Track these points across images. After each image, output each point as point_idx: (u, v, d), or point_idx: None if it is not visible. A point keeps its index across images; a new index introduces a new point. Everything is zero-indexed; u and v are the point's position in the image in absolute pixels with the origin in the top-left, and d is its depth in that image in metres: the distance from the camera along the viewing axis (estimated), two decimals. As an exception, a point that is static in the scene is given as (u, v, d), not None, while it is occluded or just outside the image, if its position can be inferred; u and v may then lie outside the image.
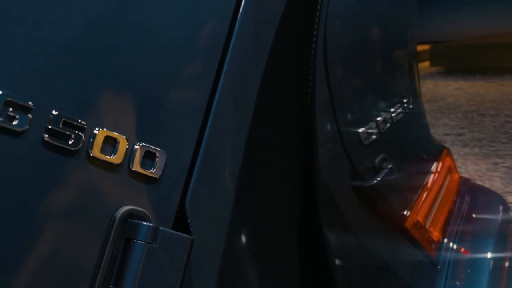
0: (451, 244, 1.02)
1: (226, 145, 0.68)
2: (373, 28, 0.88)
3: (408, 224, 0.90)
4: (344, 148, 0.79)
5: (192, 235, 0.61)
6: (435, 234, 0.99)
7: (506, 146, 2.04)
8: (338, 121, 0.78)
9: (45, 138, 0.53)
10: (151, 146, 0.60)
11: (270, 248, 0.77)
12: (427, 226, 0.96)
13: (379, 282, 0.90)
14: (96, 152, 0.56)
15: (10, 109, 0.51)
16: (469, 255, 1.02)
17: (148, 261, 0.56)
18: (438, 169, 1.05)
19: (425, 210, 0.95)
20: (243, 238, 0.71)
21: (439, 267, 0.99)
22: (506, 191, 1.83)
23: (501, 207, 1.15)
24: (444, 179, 1.05)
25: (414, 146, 1.00)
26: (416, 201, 0.93)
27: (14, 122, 0.51)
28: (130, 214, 0.58)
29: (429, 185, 0.99)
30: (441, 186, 1.03)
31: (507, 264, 1.01)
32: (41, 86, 0.54)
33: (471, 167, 1.96)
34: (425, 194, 0.97)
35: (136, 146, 0.59)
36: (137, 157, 0.59)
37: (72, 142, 0.55)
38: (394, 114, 0.89)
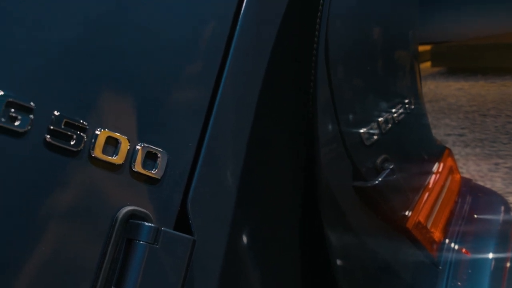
0: (452, 245, 1.02)
1: (227, 145, 0.68)
2: (375, 28, 0.88)
3: (410, 224, 0.90)
4: (345, 148, 0.79)
5: (193, 235, 0.61)
6: (437, 235, 0.99)
7: (507, 147, 2.04)
8: (340, 121, 0.78)
9: (47, 139, 0.53)
10: (152, 147, 0.60)
11: (271, 248, 0.77)
12: (429, 226, 0.96)
13: (381, 283, 0.90)
14: (97, 152, 0.56)
15: (12, 110, 0.51)
16: (470, 256, 1.02)
17: (150, 262, 0.56)
18: (440, 170, 1.05)
19: (426, 211, 0.95)
20: (245, 238, 0.71)
21: (440, 267, 0.99)
22: (507, 192, 1.83)
23: (502, 208, 1.15)
24: (446, 179, 1.05)
25: (416, 147, 1.00)
26: (417, 202, 0.93)
27: (16, 123, 0.51)
28: (131, 215, 0.58)
29: (430, 185, 0.99)
30: (442, 187, 1.03)
31: (508, 264, 1.01)
32: (43, 87, 0.54)
33: (473, 168, 1.96)
34: (426, 194, 0.97)
35: (138, 147, 0.59)
36: (139, 157, 0.59)
37: (74, 143, 0.55)
38: (395, 115, 0.89)
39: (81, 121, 0.55)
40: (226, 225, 0.67)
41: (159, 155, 0.60)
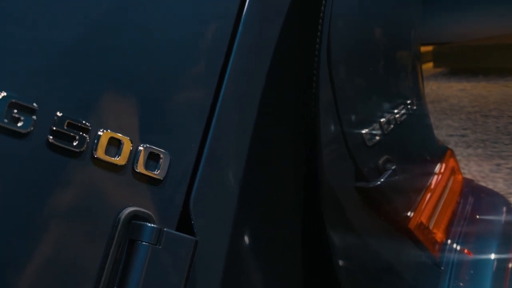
0: (454, 245, 1.02)
1: (230, 145, 0.68)
2: (377, 29, 0.88)
3: (412, 225, 0.90)
4: (347, 149, 0.79)
5: (196, 236, 0.61)
6: (439, 235, 0.99)
7: (509, 147, 2.04)
8: (342, 122, 0.78)
9: (50, 140, 0.53)
10: (155, 147, 0.60)
11: (273, 248, 0.77)
12: (431, 227, 0.96)
13: (383, 283, 0.90)
14: (100, 153, 0.56)
15: (15, 111, 0.51)
16: (472, 256, 1.02)
17: (152, 263, 0.56)
18: (442, 170, 1.05)
19: (428, 211, 0.95)
20: (247, 239, 0.71)
21: (442, 268, 0.99)
22: (509, 192, 1.83)
23: (504, 208, 1.15)
24: (448, 180, 1.06)
25: (418, 147, 1.00)
26: (419, 202, 0.93)
27: (19, 124, 0.51)
28: (134, 216, 0.58)
29: (432, 186, 0.99)
30: (444, 187, 1.04)
31: (510, 265, 1.01)
32: (46, 88, 0.54)
33: (474, 168, 1.96)
34: (428, 195, 0.97)
35: (140, 148, 0.59)
36: (141, 158, 0.59)
37: (77, 144, 0.55)
38: (397, 115, 0.89)
39: (84, 122, 0.55)
40: (228, 226, 0.67)
41: (161, 155, 0.60)
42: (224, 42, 0.67)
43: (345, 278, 0.82)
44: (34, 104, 0.52)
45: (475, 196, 1.15)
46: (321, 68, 0.76)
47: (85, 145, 0.55)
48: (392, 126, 0.87)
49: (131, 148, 0.58)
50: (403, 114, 0.91)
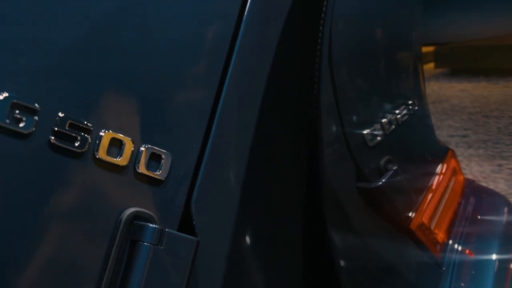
0: (456, 246, 1.02)
1: (231, 145, 0.68)
2: (378, 29, 0.88)
3: (413, 225, 0.90)
4: (349, 149, 0.79)
5: (197, 236, 0.61)
6: (440, 236, 0.99)
7: (510, 148, 2.04)
8: (343, 122, 0.78)
9: (52, 140, 0.53)
10: (156, 148, 0.60)
11: (275, 249, 0.77)
12: (432, 227, 0.96)
13: (384, 284, 0.90)
14: (102, 154, 0.56)
15: (17, 111, 0.51)
16: (474, 257, 1.01)
17: (154, 263, 0.56)
18: (443, 171, 1.05)
19: (430, 212, 0.95)
20: (249, 239, 0.71)
21: (444, 268, 0.99)
22: (510, 193, 1.83)
23: (505, 209, 1.15)
24: (449, 180, 1.05)
25: (419, 148, 1.00)
26: (421, 203, 0.93)
27: (21, 124, 0.51)
28: (135, 216, 0.58)
29: (434, 186, 0.99)
30: (446, 188, 1.03)
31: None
32: (47, 88, 0.54)
33: (476, 169, 1.96)
34: (430, 195, 0.97)
35: (142, 148, 0.59)
36: (143, 159, 0.59)
37: (78, 144, 0.55)
38: (399, 116, 0.89)
39: (86, 122, 0.55)
40: (229, 226, 0.67)
41: (163, 156, 0.60)
42: (225, 41, 0.67)
43: (347, 278, 0.82)
44: (36, 105, 0.52)
45: (476, 196, 1.15)
46: (322, 68, 0.76)
47: (87, 146, 0.55)
48: (393, 126, 0.87)
49: (133, 148, 0.59)
50: (405, 114, 0.91)
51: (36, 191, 0.53)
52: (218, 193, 0.66)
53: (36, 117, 0.52)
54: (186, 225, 0.62)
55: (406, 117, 0.91)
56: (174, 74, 0.63)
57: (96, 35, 0.58)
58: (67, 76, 0.55)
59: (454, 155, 1.11)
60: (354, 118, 0.81)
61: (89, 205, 0.56)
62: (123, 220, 0.57)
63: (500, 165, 1.96)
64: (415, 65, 0.99)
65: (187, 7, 0.65)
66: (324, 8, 0.76)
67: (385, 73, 0.90)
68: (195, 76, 0.65)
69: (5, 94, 0.51)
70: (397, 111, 0.89)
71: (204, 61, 0.66)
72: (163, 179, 0.61)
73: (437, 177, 1.02)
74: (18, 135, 0.52)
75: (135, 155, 0.59)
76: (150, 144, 0.60)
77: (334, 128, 0.77)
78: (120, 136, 0.58)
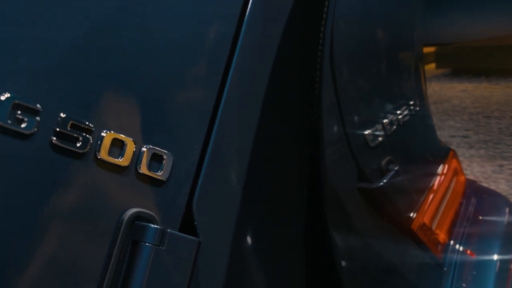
0: (457, 246, 1.02)
1: (233, 146, 0.68)
2: (380, 30, 0.88)
3: (415, 226, 0.90)
4: (350, 150, 0.79)
5: (199, 237, 0.61)
6: (442, 236, 0.99)
7: (511, 148, 2.04)
8: (345, 123, 0.78)
9: (53, 141, 0.53)
10: (158, 148, 0.60)
11: (276, 249, 0.77)
12: (434, 228, 0.96)
13: (386, 284, 0.90)
14: (103, 154, 0.56)
15: (19, 112, 0.51)
16: (475, 257, 1.01)
17: (156, 264, 0.56)
18: (444, 171, 1.05)
19: (431, 212, 0.95)
20: (250, 239, 0.71)
21: (445, 269, 0.99)
22: (511, 193, 1.83)
23: (507, 209, 1.15)
24: (450, 181, 1.05)
25: (420, 148, 1.00)
26: (422, 203, 0.93)
27: (23, 125, 0.51)
28: (137, 217, 0.58)
29: (435, 187, 0.99)
30: (447, 188, 1.03)
31: (513, 266, 1.01)
32: (49, 89, 0.54)
33: (477, 169, 1.96)
34: (431, 196, 0.97)
35: (144, 149, 0.59)
36: (144, 159, 0.59)
37: (80, 145, 0.55)
38: (400, 116, 0.89)
39: (87, 123, 0.55)
40: (231, 226, 0.67)
41: (164, 156, 0.60)
42: (227, 42, 0.67)
43: (348, 278, 0.82)
44: (38, 105, 0.52)
45: (477, 197, 1.15)
46: (324, 69, 0.76)
47: (88, 146, 0.55)
48: (394, 127, 0.87)
49: (134, 149, 0.58)
50: (406, 115, 0.91)
51: (38, 192, 0.53)
52: (219, 193, 0.66)
53: (37, 118, 0.52)
54: (188, 225, 0.62)
55: (407, 117, 0.91)
56: (175, 74, 0.63)
57: (98, 35, 0.58)
58: (68, 77, 0.55)
59: (455, 156, 1.11)
60: (356, 118, 0.81)
61: (90, 206, 0.56)
62: (124, 221, 0.57)
63: (501, 166, 1.96)
64: (416, 65, 0.99)
65: (189, 7, 0.65)
66: (325, 8, 0.76)
67: (387, 74, 0.90)
68: (196, 77, 0.65)
69: (7, 95, 0.51)
70: (398, 112, 0.89)
71: (206, 61, 0.66)
72: (165, 179, 0.61)
73: (438, 178, 1.02)
74: (20, 135, 0.52)
75: (137, 156, 0.59)
76: (151, 145, 0.60)
77: (335, 128, 0.78)
78: (122, 136, 0.58)
